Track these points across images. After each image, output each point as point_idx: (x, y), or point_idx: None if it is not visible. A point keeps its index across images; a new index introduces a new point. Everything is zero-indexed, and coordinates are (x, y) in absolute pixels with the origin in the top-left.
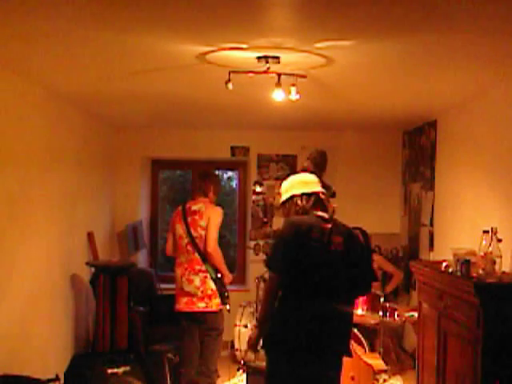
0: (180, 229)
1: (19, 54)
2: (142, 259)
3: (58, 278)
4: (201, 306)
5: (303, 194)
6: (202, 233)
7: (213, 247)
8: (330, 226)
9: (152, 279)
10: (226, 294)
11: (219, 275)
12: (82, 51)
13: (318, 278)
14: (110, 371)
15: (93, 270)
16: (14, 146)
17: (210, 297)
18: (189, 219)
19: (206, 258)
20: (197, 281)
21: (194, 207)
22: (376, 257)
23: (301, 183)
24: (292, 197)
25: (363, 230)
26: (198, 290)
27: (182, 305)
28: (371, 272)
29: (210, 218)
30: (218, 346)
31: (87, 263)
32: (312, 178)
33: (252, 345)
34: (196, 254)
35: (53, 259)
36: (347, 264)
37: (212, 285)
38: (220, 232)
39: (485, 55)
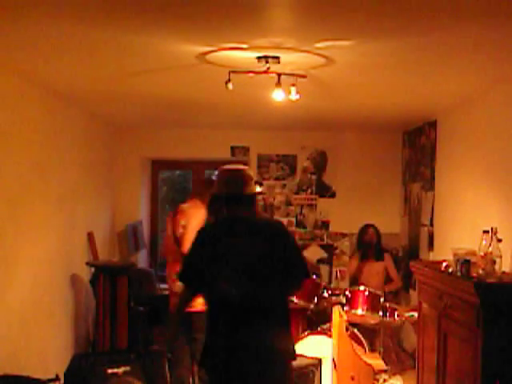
0: (170, 228)
1: (19, 54)
2: (142, 259)
3: (58, 277)
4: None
5: (215, 196)
6: (182, 232)
7: (187, 248)
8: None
9: (152, 279)
10: None
11: None
12: (82, 51)
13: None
14: (110, 371)
15: (93, 270)
16: (14, 146)
17: None
18: (176, 218)
19: None
20: (178, 281)
21: (184, 206)
22: (388, 257)
23: (218, 182)
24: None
25: (375, 227)
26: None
27: (173, 305)
28: (299, 268)
29: (189, 218)
30: None
31: (87, 263)
32: (231, 174)
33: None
34: (178, 254)
35: (53, 259)
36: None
37: None
38: None
39: (485, 55)
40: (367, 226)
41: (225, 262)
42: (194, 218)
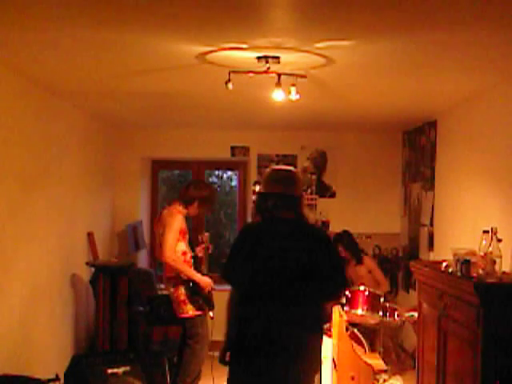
0: (156, 236)
1: (19, 53)
2: (141, 259)
3: (58, 278)
4: (179, 311)
5: (264, 194)
6: (160, 240)
7: (168, 256)
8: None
9: (152, 279)
10: (201, 301)
11: (191, 284)
12: (82, 51)
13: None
14: (109, 371)
15: (93, 270)
16: (14, 146)
17: (184, 302)
18: (157, 226)
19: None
20: (170, 287)
21: (163, 213)
22: (368, 260)
23: (268, 181)
24: (258, 195)
25: (345, 235)
26: (173, 296)
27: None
28: (338, 278)
29: (165, 227)
30: (196, 356)
31: (87, 263)
32: (282, 174)
33: (218, 357)
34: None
35: (53, 259)
36: (298, 268)
37: (184, 290)
38: (221, 232)
39: (485, 55)
40: (335, 242)
41: (263, 264)
42: (169, 226)
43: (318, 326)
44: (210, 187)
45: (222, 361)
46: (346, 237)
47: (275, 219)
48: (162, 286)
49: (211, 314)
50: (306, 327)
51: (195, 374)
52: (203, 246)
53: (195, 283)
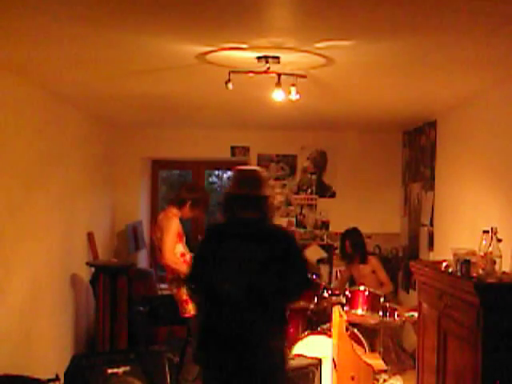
0: (154, 240)
1: (19, 54)
2: (141, 259)
3: (58, 277)
4: (182, 311)
5: (230, 195)
6: (159, 244)
7: (168, 258)
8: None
9: (152, 279)
10: None
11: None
12: (82, 51)
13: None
14: (109, 371)
15: (93, 270)
16: (14, 146)
17: (186, 302)
18: (154, 230)
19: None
20: (173, 288)
21: (159, 217)
22: (373, 260)
23: (234, 182)
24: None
25: (354, 232)
26: (176, 296)
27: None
28: (300, 279)
29: (162, 230)
30: None
31: (87, 263)
32: (247, 175)
33: (192, 356)
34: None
35: (53, 259)
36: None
37: (186, 290)
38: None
39: (484, 56)
40: (343, 237)
41: (225, 264)
42: (166, 230)
43: (281, 326)
44: (201, 189)
45: (197, 360)
46: (354, 233)
47: (237, 220)
48: (163, 286)
49: None
50: (270, 327)
51: (196, 373)
52: None
53: None
